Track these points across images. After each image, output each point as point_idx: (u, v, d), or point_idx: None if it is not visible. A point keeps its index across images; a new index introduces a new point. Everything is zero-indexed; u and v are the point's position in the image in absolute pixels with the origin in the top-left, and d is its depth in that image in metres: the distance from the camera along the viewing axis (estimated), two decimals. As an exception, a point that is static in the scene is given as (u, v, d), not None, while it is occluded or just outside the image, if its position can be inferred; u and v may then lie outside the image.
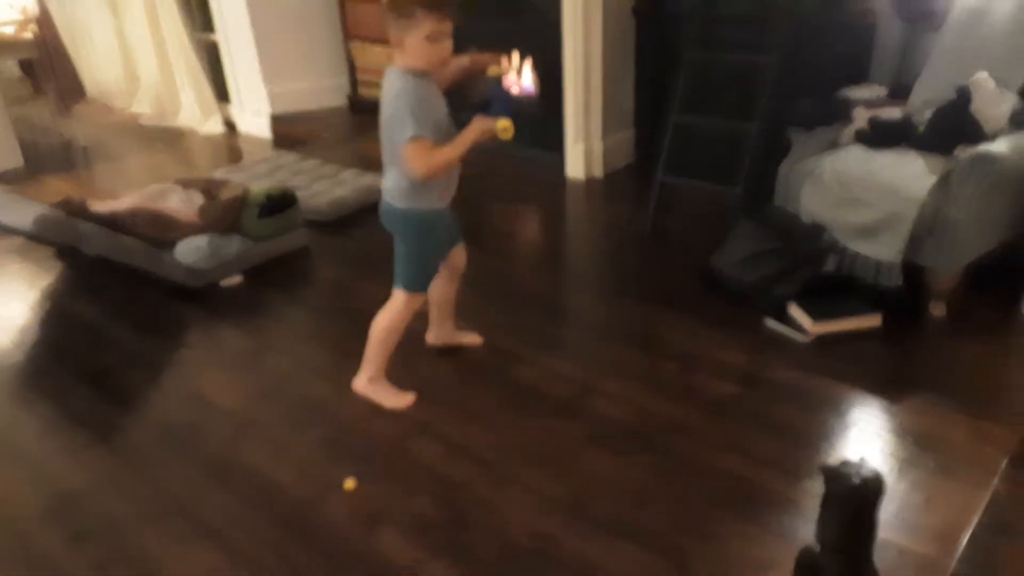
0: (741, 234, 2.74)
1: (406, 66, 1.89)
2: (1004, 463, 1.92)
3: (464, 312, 2.65)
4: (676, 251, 3.13)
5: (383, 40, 4.79)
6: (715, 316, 2.61)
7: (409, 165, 1.89)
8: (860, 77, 3.00)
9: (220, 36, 5.05)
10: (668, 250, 3.16)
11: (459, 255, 2.30)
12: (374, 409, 2.25)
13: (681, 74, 3.28)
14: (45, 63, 4.78)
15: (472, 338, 2.48)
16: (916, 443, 2.01)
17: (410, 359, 2.43)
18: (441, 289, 2.35)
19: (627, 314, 2.69)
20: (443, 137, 1.92)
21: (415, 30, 1.79)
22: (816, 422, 2.10)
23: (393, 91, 1.88)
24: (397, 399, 2.24)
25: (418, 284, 2.15)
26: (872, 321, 2.49)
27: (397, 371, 2.34)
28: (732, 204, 3.08)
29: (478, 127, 1.87)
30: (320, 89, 5.16)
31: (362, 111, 5.13)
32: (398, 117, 1.85)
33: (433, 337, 2.46)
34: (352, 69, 5.13)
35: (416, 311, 2.21)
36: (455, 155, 1.89)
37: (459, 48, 1.98)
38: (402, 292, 2.14)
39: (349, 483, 1.95)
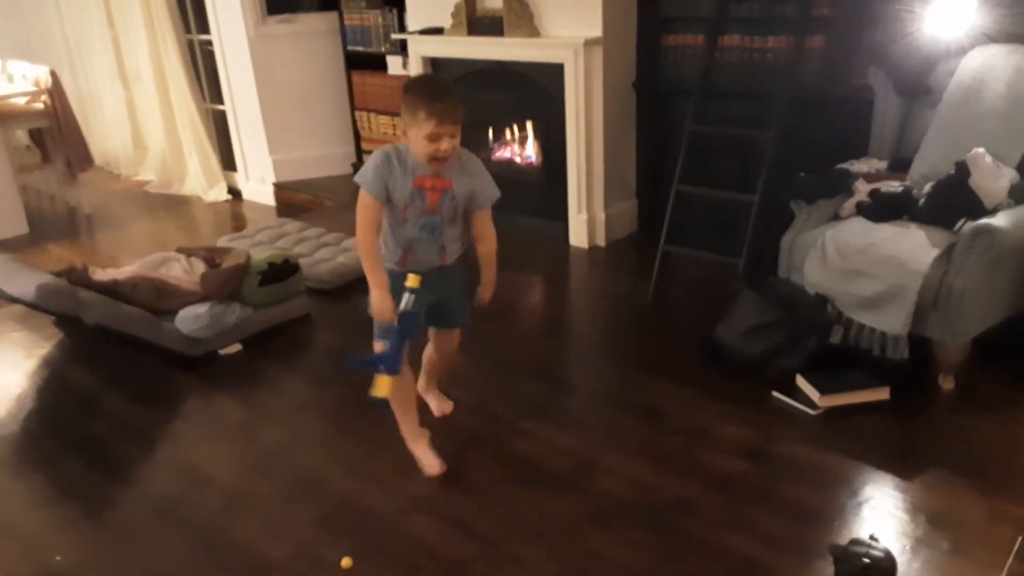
0: (744, 305, 2.74)
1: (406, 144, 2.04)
2: (1019, 543, 1.87)
3: (463, 380, 2.64)
4: (679, 321, 3.12)
5: (389, 111, 4.92)
6: (720, 388, 2.59)
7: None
8: (859, 151, 3.05)
9: (228, 107, 5.18)
10: (671, 320, 3.16)
11: (445, 340, 2.30)
12: (370, 483, 2.22)
13: (682, 147, 3.34)
14: (55, 133, 4.89)
15: (442, 405, 2.50)
16: (928, 522, 1.97)
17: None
18: (428, 356, 2.42)
19: (629, 385, 2.67)
20: (400, 204, 2.04)
21: (416, 127, 1.94)
22: (826, 499, 2.06)
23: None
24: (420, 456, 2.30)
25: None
26: (880, 394, 2.47)
27: (396, 443, 2.32)
28: (735, 275, 3.10)
29: (378, 299, 2.00)
30: (325, 158, 5.25)
31: (366, 180, 5.21)
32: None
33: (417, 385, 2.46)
34: (358, 139, 5.23)
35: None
36: (364, 259, 2.03)
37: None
38: None
39: (345, 561, 1.90)
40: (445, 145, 1.94)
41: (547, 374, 2.75)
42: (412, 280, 2.00)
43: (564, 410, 2.55)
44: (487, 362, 2.80)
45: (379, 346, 2.06)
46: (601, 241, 3.97)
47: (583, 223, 3.92)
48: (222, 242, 3.97)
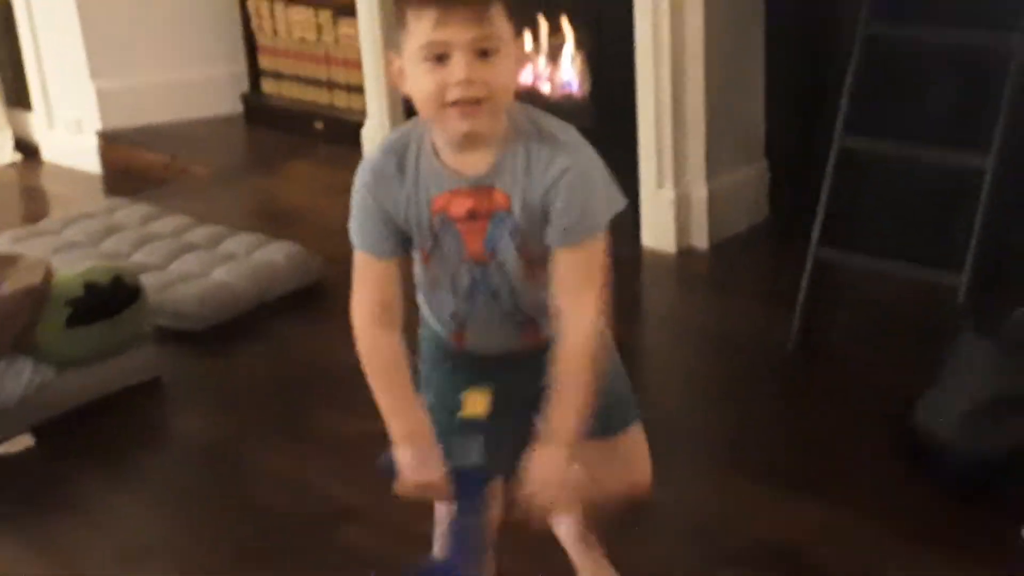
0: (970, 362, 2.74)
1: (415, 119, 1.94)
2: None
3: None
4: (844, 389, 3.11)
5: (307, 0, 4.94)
6: (923, 517, 2.58)
7: None
8: None
9: (16, -6, 5.23)
10: (829, 386, 3.15)
11: (614, 458, 2.17)
12: None
13: (851, 67, 3.33)
14: None
15: None
16: None
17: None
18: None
19: (753, 505, 2.68)
20: (420, 250, 1.97)
21: (408, 39, 1.81)
22: None
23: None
24: None
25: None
26: None
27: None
28: (951, 305, 3.09)
29: (409, 459, 1.93)
30: (193, 85, 5.28)
31: (267, 123, 5.22)
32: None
33: None
34: (252, 49, 5.26)
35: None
36: (373, 378, 1.98)
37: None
38: None
39: None
40: (460, 71, 1.77)
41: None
42: (473, 404, 1.92)
43: (637, 549, 2.51)
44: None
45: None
46: (701, 240, 3.95)
47: (667, 207, 3.92)
48: (0, 244, 3.96)
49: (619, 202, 1.93)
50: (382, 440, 2.19)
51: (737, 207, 4.00)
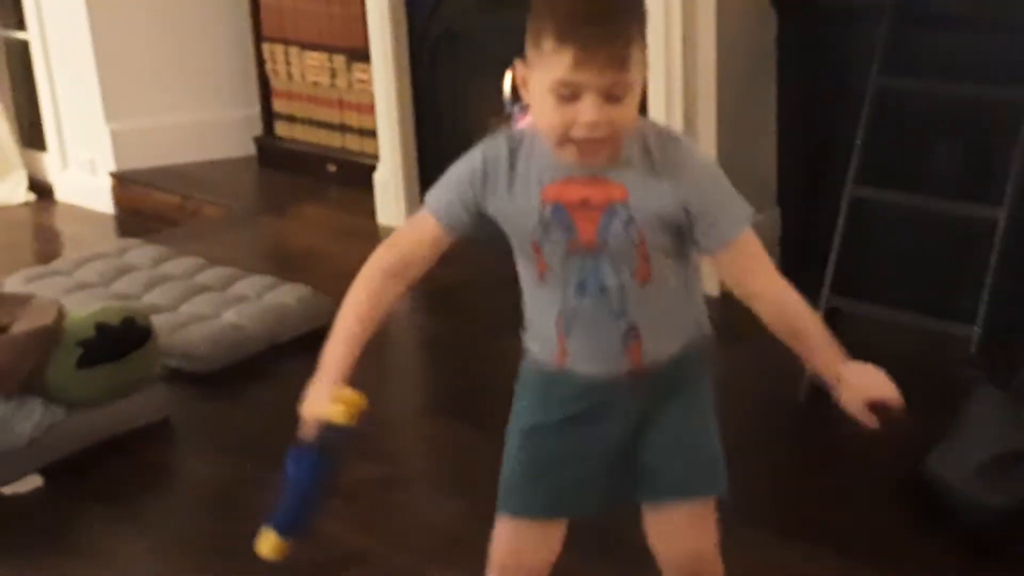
0: (982, 415, 2.73)
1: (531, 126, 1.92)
2: None
3: (468, 545, 2.60)
4: (856, 439, 3.06)
5: (325, 44, 4.96)
6: (935, 569, 2.58)
7: None
8: None
9: (33, 35, 5.26)
10: (841, 437, 3.11)
11: (678, 529, 2.10)
12: None
13: (863, 116, 3.35)
14: None
15: None
16: None
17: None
18: None
19: (764, 557, 2.65)
20: (527, 241, 1.93)
21: (540, 69, 1.80)
22: None
23: None
24: None
25: (503, 495, 2.09)
26: None
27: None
28: (963, 356, 3.09)
29: (312, 393, 1.99)
30: (205, 127, 5.29)
31: (280, 166, 5.23)
32: None
33: None
34: (266, 92, 5.27)
35: (511, 556, 2.09)
36: (339, 316, 2.00)
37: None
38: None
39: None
40: (589, 114, 1.76)
41: (611, 538, 2.70)
42: (340, 408, 1.94)
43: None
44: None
45: None
46: (712, 288, 3.91)
47: (678, 254, 3.91)
48: (12, 283, 3.98)
49: (747, 210, 1.93)
50: (392, 484, 2.19)
51: (748, 255, 4.01)
